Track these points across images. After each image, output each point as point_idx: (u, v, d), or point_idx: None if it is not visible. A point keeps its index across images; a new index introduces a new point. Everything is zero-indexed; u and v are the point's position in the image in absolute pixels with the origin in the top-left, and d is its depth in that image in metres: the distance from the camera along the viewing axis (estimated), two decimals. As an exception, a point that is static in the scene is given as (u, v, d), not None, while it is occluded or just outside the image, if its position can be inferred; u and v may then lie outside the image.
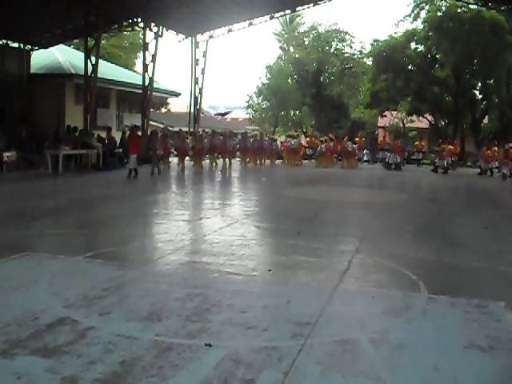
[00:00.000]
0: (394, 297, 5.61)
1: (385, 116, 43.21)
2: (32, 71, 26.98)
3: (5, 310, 4.86)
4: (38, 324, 4.53)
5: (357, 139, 32.30)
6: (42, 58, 27.34)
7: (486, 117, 39.99)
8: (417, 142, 32.76)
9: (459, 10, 33.58)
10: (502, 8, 29.89)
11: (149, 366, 3.79)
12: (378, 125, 48.45)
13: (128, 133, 22.44)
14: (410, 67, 37.56)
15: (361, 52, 49.35)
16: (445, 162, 26.67)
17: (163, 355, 3.97)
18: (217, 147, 24.80)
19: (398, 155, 28.85)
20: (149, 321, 4.67)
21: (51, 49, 27.98)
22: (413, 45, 37.60)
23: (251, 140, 28.08)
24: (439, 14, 34.89)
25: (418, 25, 37.20)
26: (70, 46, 33.43)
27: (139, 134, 21.61)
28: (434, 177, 25.09)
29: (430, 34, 35.42)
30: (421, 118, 40.53)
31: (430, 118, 39.91)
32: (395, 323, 4.81)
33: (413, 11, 37.30)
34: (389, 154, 29.63)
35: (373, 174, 26.29)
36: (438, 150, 27.96)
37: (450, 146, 28.07)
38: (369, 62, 44.18)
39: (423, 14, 36.76)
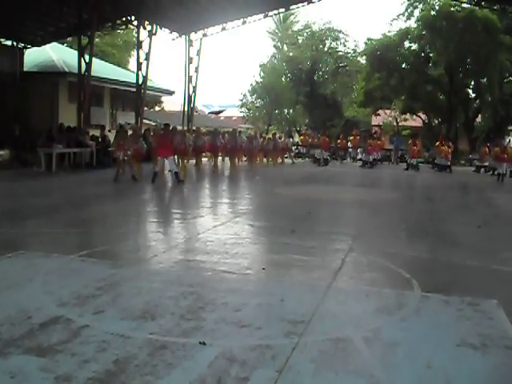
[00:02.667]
0: (387, 295, 5.63)
1: (378, 115, 43.33)
2: (25, 69, 26.86)
3: (-2, 309, 4.85)
4: (31, 323, 4.52)
5: (351, 138, 32.35)
6: (36, 56, 27.24)
7: (479, 115, 40.15)
8: (410, 141, 32.83)
9: (452, 9, 33.70)
10: (495, 7, 30.00)
11: (142, 364, 3.80)
12: (372, 123, 48.55)
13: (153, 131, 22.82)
14: (403, 66, 37.67)
15: (354, 51, 49.43)
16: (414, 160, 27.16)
17: (157, 354, 3.97)
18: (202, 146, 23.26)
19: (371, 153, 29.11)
20: (142, 319, 4.67)
21: (44, 47, 27.88)
22: (406, 43, 37.74)
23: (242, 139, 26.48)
24: (433, 12, 35.02)
25: (412, 23, 37.36)
26: (63, 44, 33.34)
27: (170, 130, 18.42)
28: (428, 175, 25.13)
29: (423, 32, 35.54)
30: (414, 116, 40.66)
31: (423, 116, 40.04)
32: (388, 321, 4.83)
33: (406, 10, 37.42)
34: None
35: (367, 172, 26.30)
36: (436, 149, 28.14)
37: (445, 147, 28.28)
38: (362, 60, 44.27)
39: (417, 12, 36.92)
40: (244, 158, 27.26)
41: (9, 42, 26.31)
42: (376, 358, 4.03)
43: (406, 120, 43.33)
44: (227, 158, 24.48)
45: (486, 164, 27.13)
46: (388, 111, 44.17)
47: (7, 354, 3.92)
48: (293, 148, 32.20)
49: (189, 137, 22.92)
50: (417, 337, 4.47)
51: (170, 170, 17.44)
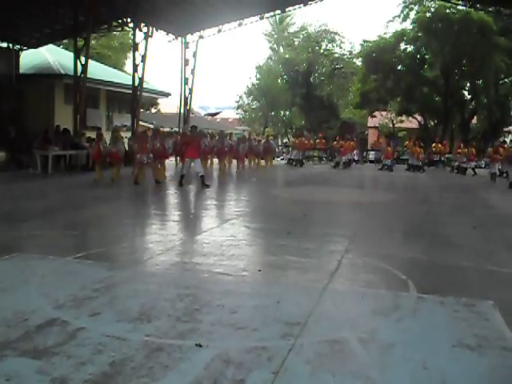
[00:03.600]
0: (383, 296, 5.64)
1: (374, 116, 43.42)
2: (21, 71, 26.85)
3: (-6, 312, 4.84)
4: (27, 325, 4.51)
5: (342, 142, 32.31)
6: (32, 58, 27.22)
7: (475, 117, 40.28)
8: (406, 142, 32.91)
9: (448, 11, 33.82)
10: (490, 9, 30.12)
11: (139, 366, 3.79)
12: (368, 125, 48.68)
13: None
14: (399, 68, 37.81)
15: (350, 52, 49.59)
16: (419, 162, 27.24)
17: (153, 356, 3.97)
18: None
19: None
20: (139, 321, 4.67)
21: (40, 49, 27.87)
22: (402, 45, 37.88)
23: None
24: (428, 14, 35.15)
25: (408, 25, 37.55)
26: (59, 46, 33.33)
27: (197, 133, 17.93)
28: (424, 176, 25.18)
29: (419, 34, 35.68)
30: (410, 118, 40.76)
31: (419, 118, 40.15)
32: (384, 323, 4.84)
33: (402, 12, 37.59)
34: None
35: (362, 174, 26.35)
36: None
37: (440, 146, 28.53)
38: (358, 62, 44.42)
39: (412, 14, 37.10)
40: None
41: (4, 44, 26.30)
42: (372, 360, 4.04)
43: (402, 122, 43.44)
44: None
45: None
46: (384, 113, 44.26)
47: (3, 357, 3.90)
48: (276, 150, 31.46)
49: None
50: (413, 338, 4.48)
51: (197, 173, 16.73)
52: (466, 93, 38.81)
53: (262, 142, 28.51)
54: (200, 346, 4.14)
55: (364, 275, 6.55)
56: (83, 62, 22.68)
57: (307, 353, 4.12)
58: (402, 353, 4.15)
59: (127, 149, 19.83)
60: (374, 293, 5.77)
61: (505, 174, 23.35)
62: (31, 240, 8.25)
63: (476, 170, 27.22)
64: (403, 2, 37.81)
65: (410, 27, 36.87)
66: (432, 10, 35.60)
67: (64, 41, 31.77)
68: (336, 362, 4.01)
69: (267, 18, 32.73)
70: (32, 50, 27.52)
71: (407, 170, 28.26)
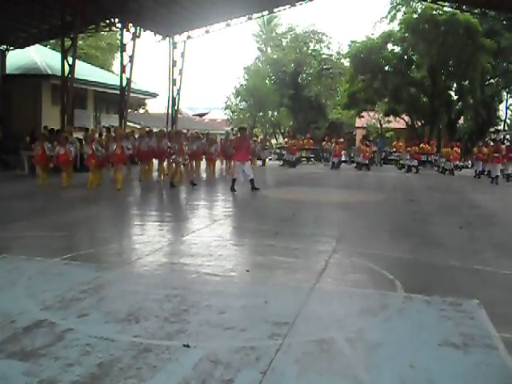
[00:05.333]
0: (370, 296, 5.67)
1: (362, 117, 43.58)
2: (8, 72, 26.73)
3: (-19, 314, 4.82)
4: (14, 327, 4.50)
5: (334, 140, 32.48)
6: (18, 59, 27.10)
7: (462, 117, 40.55)
8: (394, 143, 33.09)
9: (434, 13, 34.02)
10: (476, 11, 30.36)
11: (127, 367, 3.79)
12: (356, 125, 48.85)
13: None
14: (386, 68, 37.97)
15: (338, 53, 49.79)
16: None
17: (141, 356, 3.97)
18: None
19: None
20: (127, 322, 4.67)
21: (27, 49, 27.76)
22: (389, 46, 38.09)
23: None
24: (415, 15, 35.37)
25: (395, 26, 37.77)
26: (46, 46, 33.20)
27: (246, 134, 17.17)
28: (410, 177, 25.31)
29: (406, 35, 35.88)
30: (398, 118, 40.96)
31: (406, 118, 40.35)
32: (372, 322, 4.87)
33: (389, 13, 37.82)
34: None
35: (350, 174, 26.44)
36: (410, 150, 28.50)
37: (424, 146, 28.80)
38: (346, 62, 44.57)
39: (399, 15, 37.32)
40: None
41: (-10, 44, 26.14)
42: (359, 359, 4.06)
43: (389, 122, 43.63)
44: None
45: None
46: (372, 113, 44.44)
47: (-10, 359, 3.90)
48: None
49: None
50: (400, 337, 4.51)
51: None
52: (452, 93, 39.06)
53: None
54: (188, 346, 4.15)
55: (351, 275, 6.58)
56: (70, 63, 22.60)
57: (295, 352, 4.14)
58: (389, 352, 4.18)
59: (83, 151, 17.54)
60: (361, 292, 5.80)
61: (486, 172, 24.51)
62: (18, 241, 8.22)
63: (458, 169, 27.58)
64: (390, 3, 38.07)
65: (397, 28, 37.07)
66: (419, 11, 35.83)
67: (51, 41, 31.61)
68: (324, 361, 4.03)
69: (255, 18, 32.76)
70: (19, 50, 27.39)
71: (355, 167, 29.28)
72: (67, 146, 16.28)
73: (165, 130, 23.02)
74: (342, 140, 32.25)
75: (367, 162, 29.05)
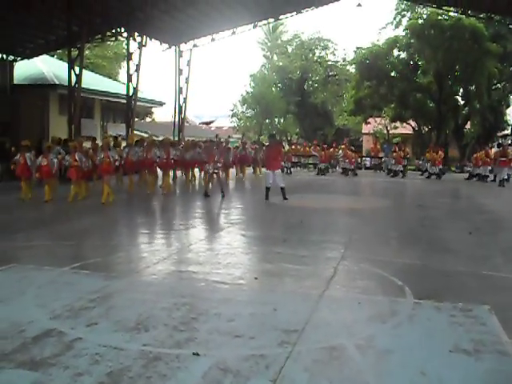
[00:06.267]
0: (380, 302, 5.64)
1: (369, 123, 43.52)
2: (15, 82, 26.88)
3: (-10, 323, 4.83)
4: (24, 336, 4.50)
5: (342, 146, 32.46)
6: (26, 69, 27.27)
7: (469, 122, 40.42)
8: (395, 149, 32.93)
9: (440, 18, 33.97)
10: (481, 16, 30.32)
11: (136, 376, 3.79)
12: (363, 131, 48.78)
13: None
14: (392, 74, 37.93)
15: (344, 59, 49.78)
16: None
17: (151, 365, 3.96)
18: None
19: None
20: (136, 331, 4.66)
21: (34, 59, 27.92)
22: (395, 52, 38.03)
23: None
24: (420, 21, 35.30)
25: (400, 32, 37.69)
26: (53, 56, 33.37)
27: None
28: (419, 182, 25.23)
29: (411, 41, 35.83)
30: (404, 124, 40.87)
31: (413, 124, 40.26)
32: (382, 329, 4.84)
33: (395, 19, 37.80)
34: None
35: (357, 180, 26.39)
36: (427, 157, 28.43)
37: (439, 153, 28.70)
38: (352, 69, 44.56)
39: (405, 21, 37.27)
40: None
41: (-2, 55, 26.32)
42: (370, 366, 4.04)
43: (396, 128, 43.54)
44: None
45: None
46: (378, 119, 44.38)
47: (0, 369, 3.90)
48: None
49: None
50: (410, 344, 4.48)
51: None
52: (459, 98, 38.94)
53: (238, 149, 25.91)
54: (197, 354, 4.14)
55: (360, 282, 6.55)
56: (77, 72, 22.68)
57: (305, 360, 4.12)
58: (400, 359, 4.16)
59: (67, 161, 15.44)
60: (370, 299, 5.77)
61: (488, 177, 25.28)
62: (27, 251, 8.24)
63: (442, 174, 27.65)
64: (395, 9, 38.06)
65: (403, 34, 37.04)
66: (424, 16, 35.77)
67: (58, 51, 31.78)
68: (334, 368, 4.01)
69: (260, 26, 32.87)
70: (26, 60, 27.56)
71: (341, 173, 29.38)
72: (50, 157, 15.21)
73: (171, 138, 22.75)
74: (343, 146, 32.34)
75: (353, 167, 29.27)
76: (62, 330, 4.65)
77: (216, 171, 16.47)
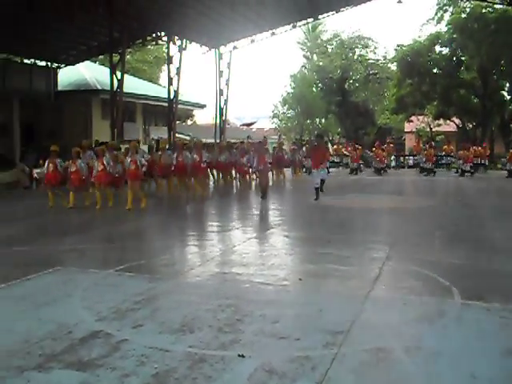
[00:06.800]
0: (426, 303, 5.53)
1: (411, 121, 42.93)
2: (59, 88, 27.47)
3: (39, 325, 4.92)
4: (71, 338, 4.57)
5: (385, 145, 32.15)
6: (69, 75, 27.85)
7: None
8: (445, 146, 32.41)
9: (484, 11, 33.23)
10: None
11: (182, 377, 3.79)
12: (405, 130, 48.15)
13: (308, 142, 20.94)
14: (435, 71, 37.32)
15: (385, 57, 49.23)
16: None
17: (196, 367, 3.97)
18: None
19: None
20: (181, 333, 4.68)
21: (77, 66, 28.47)
22: (437, 48, 37.42)
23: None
24: (463, 15, 34.63)
25: (442, 27, 37.02)
26: (95, 62, 33.96)
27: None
28: (463, 181, 24.74)
29: (454, 36, 35.19)
30: (448, 121, 40.16)
31: (457, 121, 39.53)
32: (429, 330, 4.74)
33: (436, 14, 37.10)
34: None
35: (399, 179, 26.05)
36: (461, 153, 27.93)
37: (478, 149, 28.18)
38: (393, 67, 44.03)
39: (447, 16, 36.54)
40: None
41: (43, 63, 26.96)
42: (418, 369, 3.96)
43: (439, 125, 42.84)
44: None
45: None
46: (421, 117, 43.71)
47: (49, 369, 3.97)
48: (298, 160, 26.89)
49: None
50: (459, 346, 4.38)
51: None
52: (505, 93, 38.03)
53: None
54: (243, 356, 4.13)
55: (406, 282, 6.44)
56: (119, 77, 23.05)
57: (351, 362, 4.06)
58: (449, 361, 4.06)
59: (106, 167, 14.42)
60: (417, 300, 5.66)
61: None
62: (72, 253, 8.37)
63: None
64: (437, 4, 37.36)
65: (445, 29, 36.42)
66: (467, 10, 35.06)
67: (100, 57, 32.32)
68: (381, 371, 3.94)
69: (299, 26, 32.72)
70: (69, 67, 28.12)
71: (373, 172, 29.02)
72: (78, 163, 14.59)
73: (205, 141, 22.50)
74: (388, 146, 32.02)
75: (384, 165, 29.03)
76: (109, 332, 4.70)
77: (263, 172, 16.41)
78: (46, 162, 14.83)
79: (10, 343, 4.48)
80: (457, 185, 22.88)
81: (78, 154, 14.84)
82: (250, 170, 20.20)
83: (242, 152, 20.68)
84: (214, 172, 21.10)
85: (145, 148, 22.96)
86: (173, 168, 16.82)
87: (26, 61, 26.74)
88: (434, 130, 44.66)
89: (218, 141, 29.75)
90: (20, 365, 4.05)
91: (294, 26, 30.12)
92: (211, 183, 20.51)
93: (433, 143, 31.23)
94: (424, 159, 28.52)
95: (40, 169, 17.11)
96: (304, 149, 28.03)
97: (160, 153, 17.45)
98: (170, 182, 17.59)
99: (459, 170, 27.50)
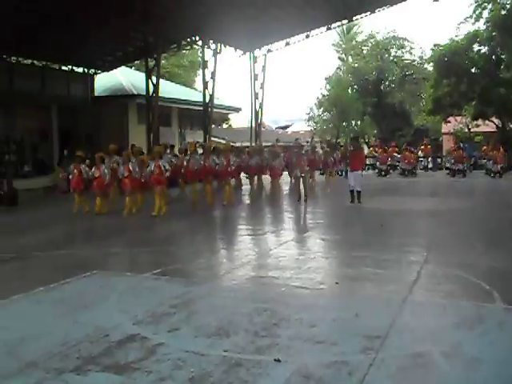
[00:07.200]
0: (466, 308, 5.42)
1: (449, 122, 42.27)
2: (96, 94, 27.85)
3: (77, 328, 4.98)
4: (108, 341, 4.60)
5: (422, 147, 31.73)
6: (105, 81, 28.21)
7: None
8: (484, 147, 31.80)
9: (525, 7, 32.45)
10: None
11: (218, 382, 3.78)
12: (442, 131, 47.46)
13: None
14: (473, 70, 36.65)
15: (421, 58, 48.57)
16: (498, 167, 26.27)
17: (232, 371, 3.95)
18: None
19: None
20: (217, 336, 4.67)
21: (113, 71, 28.81)
22: (476, 47, 36.66)
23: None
24: (503, 12, 33.89)
25: (481, 25, 36.26)
26: (131, 67, 34.34)
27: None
28: (494, 182, 24.20)
29: (493, 34, 34.46)
30: (487, 121, 39.42)
31: (496, 121, 38.77)
32: (469, 336, 4.63)
33: (474, 12, 36.33)
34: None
35: (437, 181, 25.66)
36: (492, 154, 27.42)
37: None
38: (430, 67, 43.41)
39: (486, 13, 35.79)
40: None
41: (80, 69, 27.37)
42: (458, 376, 3.87)
43: (478, 126, 42.08)
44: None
45: None
46: (459, 118, 43.00)
47: (87, 371, 4.01)
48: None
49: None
50: (501, 352, 4.27)
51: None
52: (547, 92, 37.07)
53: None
54: (279, 361, 4.09)
55: (445, 286, 6.32)
56: (155, 82, 23.25)
57: (389, 367, 3.99)
58: (491, 369, 3.95)
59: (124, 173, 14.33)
60: (456, 304, 5.55)
61: None
62: (109, 257, 8.47)
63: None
64: (475, 2, 36.64)
65: (484, 27, 35.70)
66: (507, 6, 34.30)
67: (135, 62, 32.66)
68: (419, 377, 3.87)
69: (334, 28, 32.51)
70: (105, 72, 28.50)
71: (400, 174, 28.72)
72: (102, 168, 14.41)
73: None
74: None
75: (411, 167, 28.55)
76: (145, 335, 4.72)
77: (303, 175, 16.28)
78: (71, 167, 14.82)
79: (48, 346, 4.55)
80: (489, 186, 22.41)
81: (102, 160, 14.68)
82: (282, 173, 19.98)
83: (272, 155, 20.19)
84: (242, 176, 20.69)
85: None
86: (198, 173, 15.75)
87: (63, 68, 27.16)
88: (472, 130, 43.90)
89: (253, 144, 29.75)
90: (58, 367, 4.10)
91: (329, 28, 29.93)
92: (243, 187, 20.40)
93: (461, 144, 30.70)
94: (452, 160, 28.08)
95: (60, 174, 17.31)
96: (338, 151, 27.77)
97: (188, 157, 16.31)
98: (194, 187, 16.00)
99: (490, 172, 26.98)
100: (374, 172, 29.62)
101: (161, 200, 13.71)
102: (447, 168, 29.10)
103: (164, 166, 14.02)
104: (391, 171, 30.02)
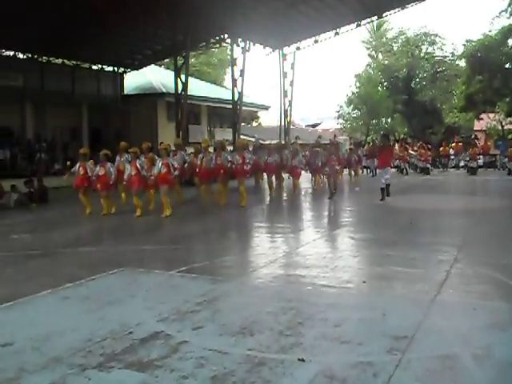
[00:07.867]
0: (498, 309, 5.28)
1: (481, 119, 41.62)
2: (125, 92, 28.14)
3: (102, 324, 4.99)
4: (132, 338, 4.60)
5: (453, 145, 31.26)
6: (135, 80, 28.51)
7: None
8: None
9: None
10: None
11: (240, 381, 3.73)
12: (474, 128, 46.77)
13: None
14: (507, 66, 35.98)
15: (453, 54, 47.89)
16: None
17: (255, 370, 3.90)
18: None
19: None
20: (241, 335, 4.63)
21: (143, 70, 29.07)
22: (510, 42, 36.00)
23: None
24: (540, 5, 33.18)
25: (516, 20, 35.56)
26: (160, 66, 34.59)
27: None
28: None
29: (530, 27, 33.79)
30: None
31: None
32: (501, 338, 4.50)
33: (509, 5, 35.67)
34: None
35: (468, 179, 25.25)
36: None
37: None
38: (462, 63, 42.79)
39: (521, 7, 35.10)
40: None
41: (110, 68, 27.68)
42: (489, 379, 3.76)
43: (511, 123, 41.35)
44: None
45: None
46: (492, 115, 42.31)
47: (109, 368, 4.00)
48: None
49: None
50: (534, 356, 4.13)
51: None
52: None
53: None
54: (303, 360, 4.03)
55: (476, 286, 6.17)
56: (183, 80, 23.36)
57: (415, 369, 3.90)
58: (524, 372, 3.83)
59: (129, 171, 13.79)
60: (487, 305, 5.41)
61: None
62: (136, 255, 8.49)
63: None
64: (510, -5, 36.00)
65: (519, 21, 35.02)
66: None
67: (165, 60, 32.87)
68: (447, 379, 3.77)
69: (364, 25, 32.22)
70: (135, 71, 28.76)
71: (417, 172, 28.32)
72: (107, 166, 13.85)
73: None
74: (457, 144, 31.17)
75: (428, 165, 28.21)
76: (169, 333, 4.70)
77: (331, 172, 16.22)
78: (77, 165, 14.26)
79: (73, 341, 4.56)
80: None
81: (108, 158, 14.17)
82: (301, 172, 19.63)
83: (293, 153, 19.46)
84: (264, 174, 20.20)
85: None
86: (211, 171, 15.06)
87: (93, 67, 27.49)
88: (505, 127, 43.15)
89: (282, 142, 29.60)
90: (82, 363, 4.11)
91: (359, 25, 29.68)
92: (266, 185, 20.16)
93: (476, 141, 30.23)
94: (468, 158, 27.63)
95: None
96: (363, 148, 27.53)
97: (202, 155, 15.34)
98: (206, 187, 15.42)
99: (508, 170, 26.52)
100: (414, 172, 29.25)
101: (166, 200, 13.12)
102: (463, 166, 28.97)
103: (172, 165, 13.37)
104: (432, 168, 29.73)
